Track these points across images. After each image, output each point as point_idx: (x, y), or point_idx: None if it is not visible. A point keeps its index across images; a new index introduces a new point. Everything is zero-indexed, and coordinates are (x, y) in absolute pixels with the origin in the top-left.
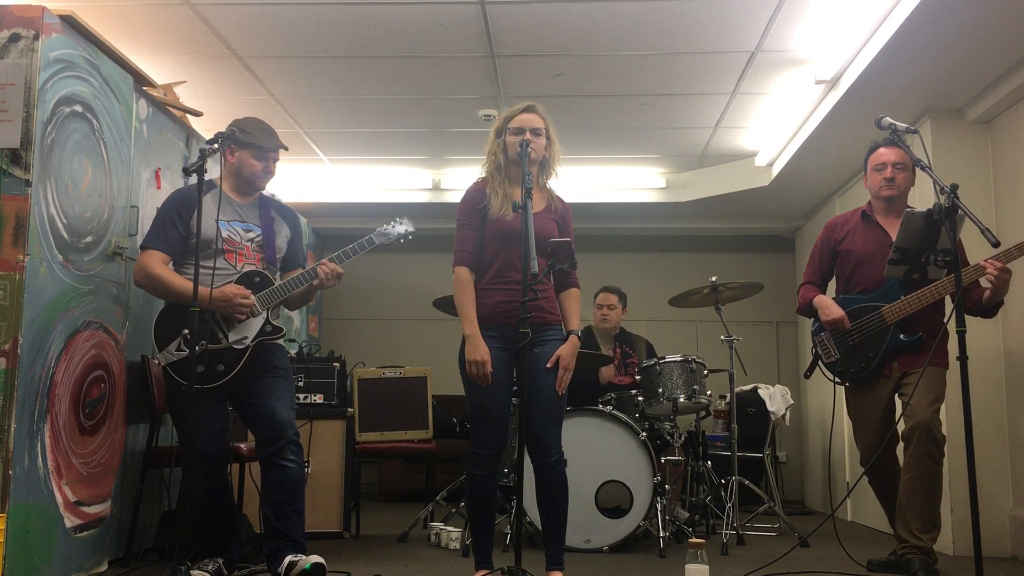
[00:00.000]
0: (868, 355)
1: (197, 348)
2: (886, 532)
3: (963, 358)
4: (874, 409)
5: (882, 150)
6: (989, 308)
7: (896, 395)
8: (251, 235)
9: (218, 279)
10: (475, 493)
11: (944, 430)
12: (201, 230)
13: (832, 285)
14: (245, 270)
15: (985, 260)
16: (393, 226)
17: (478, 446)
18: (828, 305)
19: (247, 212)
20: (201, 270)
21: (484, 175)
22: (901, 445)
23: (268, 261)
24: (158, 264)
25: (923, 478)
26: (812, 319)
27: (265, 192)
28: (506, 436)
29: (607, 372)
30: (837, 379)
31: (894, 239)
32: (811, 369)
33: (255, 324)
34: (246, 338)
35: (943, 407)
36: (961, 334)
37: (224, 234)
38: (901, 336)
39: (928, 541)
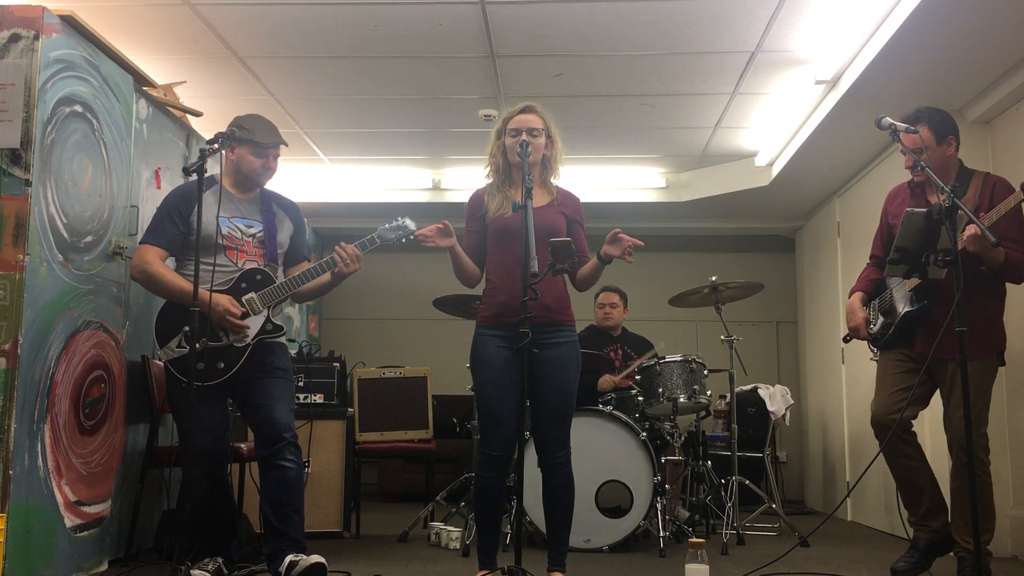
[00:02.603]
0: (888, 322)
1: (197, 345)
2: (886, 532)
3: (963, 358)
4: (889, 378)
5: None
6: (1000, 272)
7: (937, 385)
8: (252, 231)
9: (219, 276)
10: (482, 494)
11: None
12: (201, 227)
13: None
14: (247, 267)
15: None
16: (398, 223)
17: (486, 447)
18: (851, 311)
19: (248, 208)
20: (202, 267)
21: (488, 179)
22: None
23: (269, 258)
24: (155, 260)
25: (965, 489)
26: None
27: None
28: (514, 437)
29: (607, 382)
30: (871, 344)
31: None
32: (849, 336)
33: (256, 322)
34: (246, 336)
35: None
36: (961, 334)
37: (224, 231)
38: (912, 301)
39: (970, 542)
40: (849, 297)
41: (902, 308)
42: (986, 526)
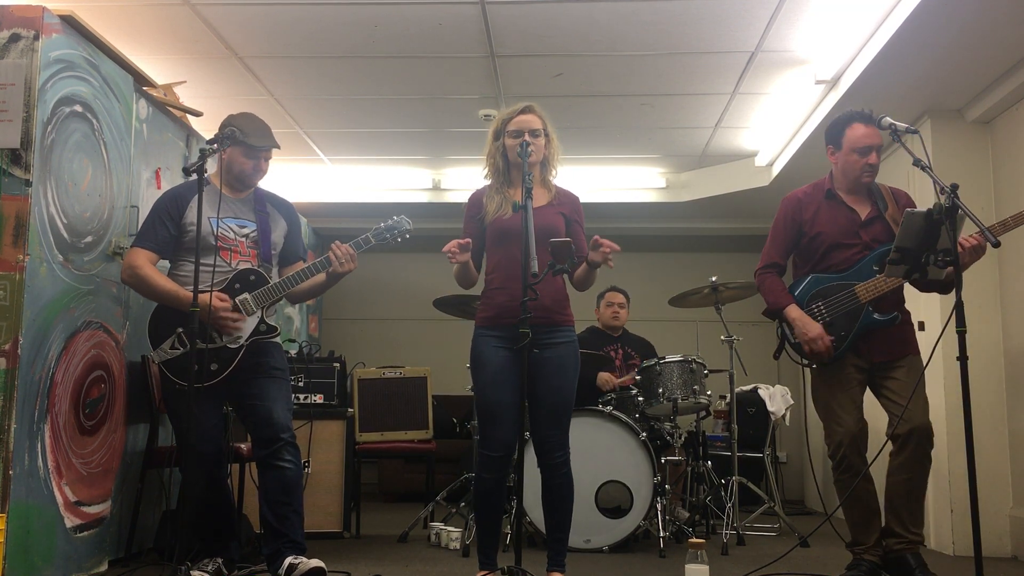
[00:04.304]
0: (839, 334)
1: (191, 347)
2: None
3: (963, 358)
4: (846, 392)
5: (863, 129)
6: (947, 283)
7: (875, 389)
8: (245, 231)
9: (213, 275)
10: (482, 495)
11: (941, 429)
12: (196, 228)
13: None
14: (240, 268)
15: (968, 236)
16: (393, 221)
17: (485, 447)
18: (805, 323)
19: (241, 208)
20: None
21: (487, 180)
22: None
23: (263, 258)
24: (144, 263)
25: (919, 479)
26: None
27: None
28: (514, 438)
29: (605, 378)
30: (804, 360)
31: (863, 218)
32: (779, 350)
33: (249, 323)
34: (240, 337)
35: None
36: (961, 334)
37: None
38: (875, 315)
39: (920, 534)
40: (780, 311)
41: (857, 320)
42: (922, 517)
